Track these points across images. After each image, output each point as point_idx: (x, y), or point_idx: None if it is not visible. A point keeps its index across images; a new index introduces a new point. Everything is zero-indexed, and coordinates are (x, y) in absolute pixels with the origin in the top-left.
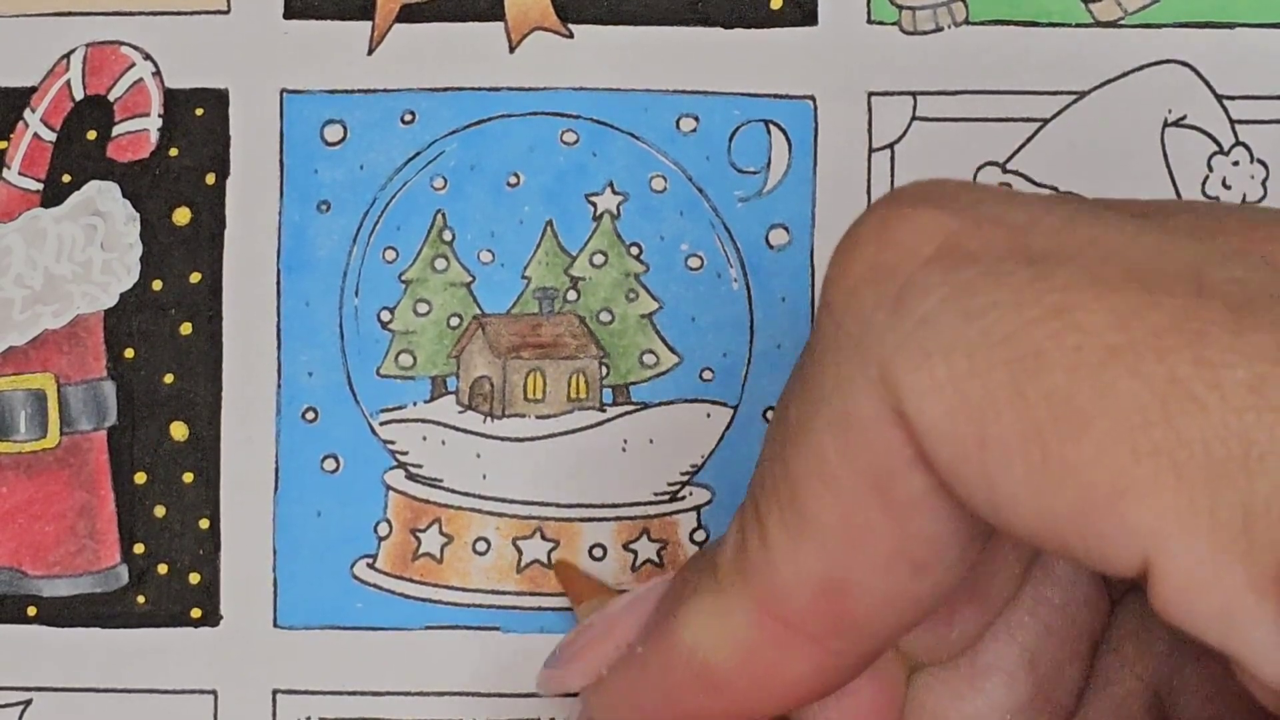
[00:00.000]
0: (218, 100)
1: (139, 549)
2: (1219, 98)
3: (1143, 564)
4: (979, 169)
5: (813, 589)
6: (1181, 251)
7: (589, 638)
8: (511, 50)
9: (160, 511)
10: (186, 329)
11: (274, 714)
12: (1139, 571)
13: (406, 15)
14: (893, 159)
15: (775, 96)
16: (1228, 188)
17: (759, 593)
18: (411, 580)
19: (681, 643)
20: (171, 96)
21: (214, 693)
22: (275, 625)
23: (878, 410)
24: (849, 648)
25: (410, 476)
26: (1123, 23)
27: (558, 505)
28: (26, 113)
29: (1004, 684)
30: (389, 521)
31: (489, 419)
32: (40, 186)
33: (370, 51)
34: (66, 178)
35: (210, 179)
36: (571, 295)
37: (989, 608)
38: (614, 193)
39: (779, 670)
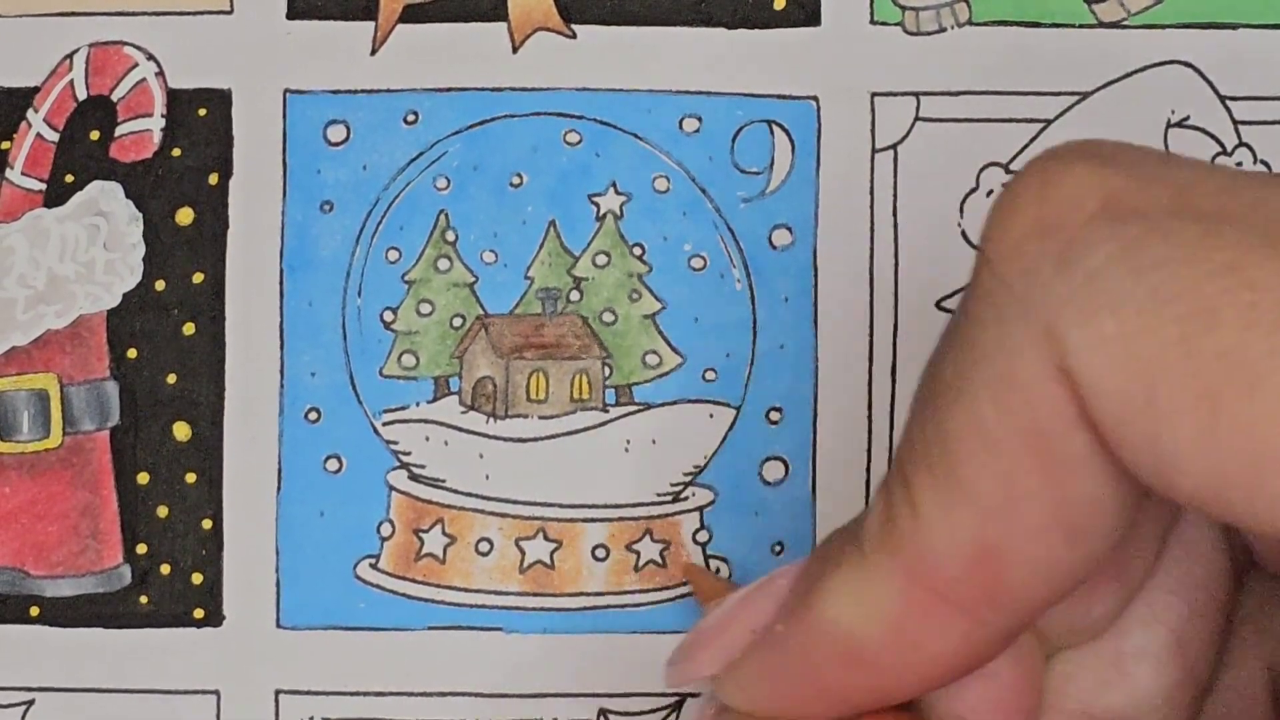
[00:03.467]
0: (221, 100)
1: (142, 549)
2: (1222, 99)
3: None
4: (982, 170)
5: (966, 556)
6: None
7: (719, 624)
8: (514, 50)
9: (163, 512)
10: (189, 329)
11: (276, 714)
12: None
13: (409, 15)
14: (896, 159)
15: (778, 97)
16: None
17: (908, 562)
18: (414, 581)
19: (825, 617)
20: (174, 97)
21: (216, 693)
22: (278, 625)
23: (1041, 367)
24: (998, 619)
25: (413, 477)
26: (1126, 23)
27: (560, 506)
28: (29, 113)
29: (1153, 669)
30: (391, 522)
31: (492, 419)
32: (43, 186)
33: (373, 52)
34: (69, 178)
35: (213, 179)
36: (574, 296)
37: (1127, 585)
38: (617, 193)
39: (926, 643)
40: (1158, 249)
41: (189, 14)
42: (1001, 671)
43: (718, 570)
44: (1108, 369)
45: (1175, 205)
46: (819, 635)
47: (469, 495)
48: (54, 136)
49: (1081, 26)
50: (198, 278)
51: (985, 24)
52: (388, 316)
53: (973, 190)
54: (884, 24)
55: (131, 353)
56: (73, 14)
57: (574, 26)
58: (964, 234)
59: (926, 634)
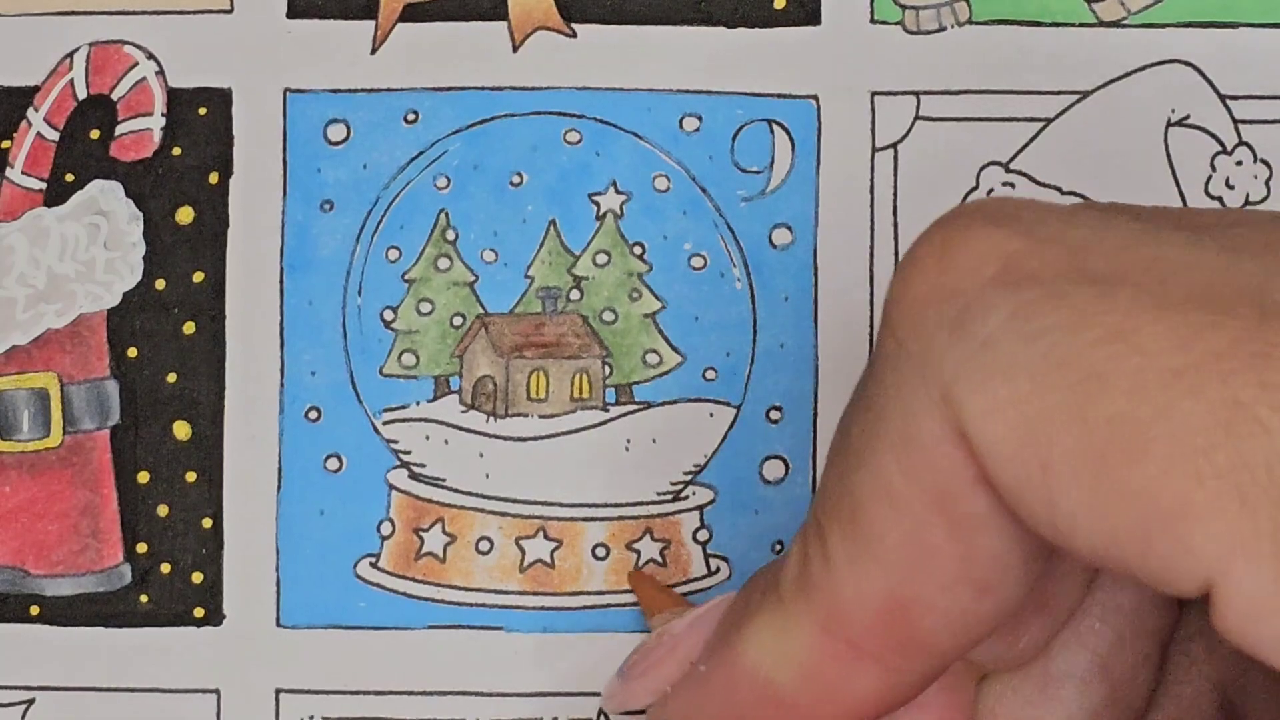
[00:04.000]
0: (221, 99)
1: (142, 548)
2: (1222, 97)
3: (1205, 586)
4: (982, 169)
5: (876, 608)
6: (1244, 270)
7: (654, 655)
8: (515, 49)
9: (163, 511)
10: (189, 328)
11: (277, 713)
12: (1201, 593)
13: (409, 14)
14: (896, 158)
15: (778, 96)
16: (1231, 188)
17: (822, 612)
18: (414, 580)
19: (745, 661)
20: (175, 96)
21: (217, 692)
22: (278, 624)
23: (940, 430)
24: (913, 666)
25: (413, 476)
26: (1126, 22)
27: (561, 505)
28: (30, 112)
29: (1078, 691)
30: (392, 521)
31: (492, 418)
32: (43, 186)
33: (373, 51)
34: (69, 177)
35: (213, 178)
36: (575, 295)
37: (1056, 616)
38: (617, 192)
39: (843, 689)
40: (1048, 315)
41: (189, 13)
42: (931, 700)
43: (716, 570)
44: (1002, 434)
45: (1069, 268)
46: (739, 678)
47: (469, 494)
48: (54, 135)
49: (1081, 25)
50: (198, 277)
51: (985, 23)
52: (388, 315)
53: (973, 189)
54: (884, 23)
55: (132, 352)
56: (73, 13)
57: (574, 25)
58: None
59: (843, 680)
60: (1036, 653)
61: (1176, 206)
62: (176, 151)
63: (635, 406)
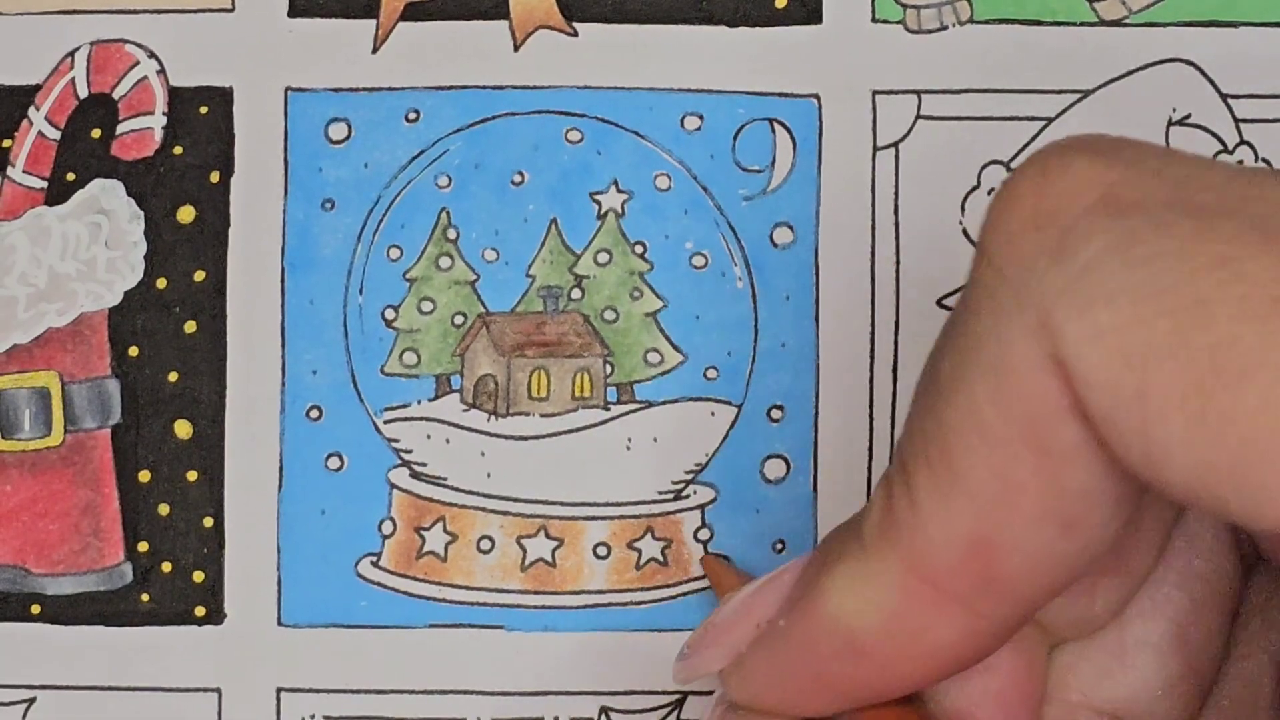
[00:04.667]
0: (222, 98)
1: (143, 547)
2: (1223, 96)
3: None
4: (983, 168)
5: (962, 548)
6: None
7: (726, 620)
8: (516, 48)
9: (164, 510)
10: (191, 327)
11: (278, 712)
12: None
13: (411, 13)
14: (897, 157)
15: (780, 95)
16: None
17: (906, 554)
18: (415, 579)
19: (826, 611)
20: (176, 94)
21: (218, 691)
22: (279, 623)
23: (1035, 357)
24: (996, 611)
25: (414, 475)
26: (1127, 21)
27: (562, 504)
28: (31, 111)
29: (1155, 660)
30: (393, 520)
31: (493, 417)
32: (44, 184)
33: (375, 50)
34: (71, 176)
35: (215, 177)
36: (576, 294)
37: (1130, 578)
38: (618, 191)
39: (925, 635)
40: (1152, 242)
41: (190, 12)
42: (1003, 664)
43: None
44: (1100, 361)
45: (1172, 199)
46: (820, 629)
47: (470, 493)
48: (55, 134)
49: (1083, 24)
50: (199, 276)
51: (987, 22)
52: (389, 314)
53: (974, 188)
54: (885, 22)
55: (133, 351)
56: (74, 12)
57: (575, 25)
58: (965, 232)
59: (925, 627)
60: (1110, 618)
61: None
62: (178, 150)
63: (636, 405)
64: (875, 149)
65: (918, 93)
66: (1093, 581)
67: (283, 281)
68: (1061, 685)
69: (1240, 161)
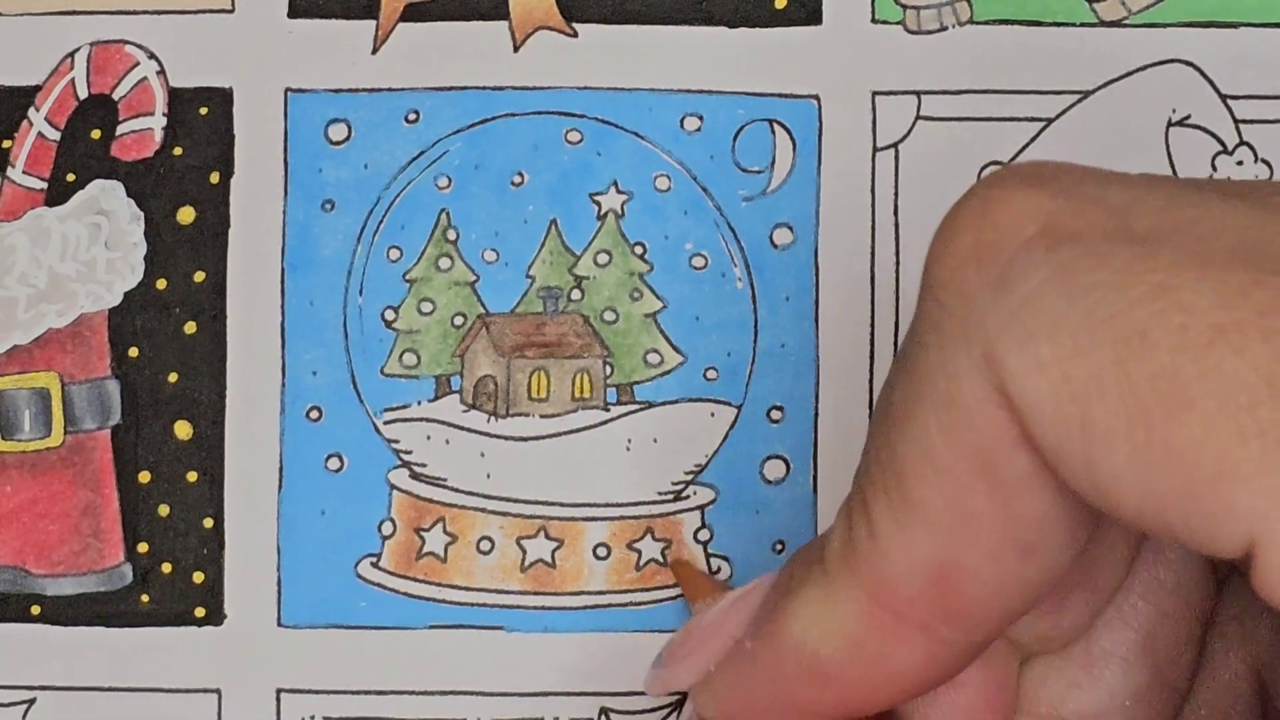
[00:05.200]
0: (222, 99)
1: (143, 548)
2: (1223, 97)
3: (1247, 547)
4: (983, 168)
5: (922, 576)
6: None
7: (697, 636)
8: (516, 49)
9: (164, 510)
10: (191, 328)
11: (278, 713)
12: (1243, 554)
13: (411, 14)
14: (897, 158)
15: (779, 96)
16: None
17: (868, 582)
18: (415, 579)
19: (790, 635)
20: (176, 95)
21: (218, 692)
22: (279, 624)
23: (982, 390)
24: (959, 636)
25: (414, 476)
26: (1127, 22)
27: (562, 504)
28: (31, 111)
29: (1121, 671)
30: (393, 520)
31: (493, 418)
32: (44, 185)
33: (374, 50)
34: (71, 176)
35: (214, 178)
36: (576, 294)
37: (1099, 593)
38: (618, 192)
39: (889, 660)
40: (1092, 273)
41: (190, 13)
42: (972, 680)
43: (717, 570)
44: (1044, 392)
45: (1111, 227)
46: (785, 652)
47: (470, 494)
48: (55, 135)
49: (1082, 25)
50: (199, 276)
51: (986, 23)
52: (389, 315)
53: None
54: (885, 23)
55: (133, 351)
56: (74, 13)
57: (575, 25)
58: None
59: (889, 652)
60: (1080, 632)
61: (1211, 178)
62: (178, 151)
63: (636, 406)
64: (875, 149)
65: (917, 93)
66: (1061, 598)
67: (283, 282)
68: (1032, 698)
69: (1240, 163)
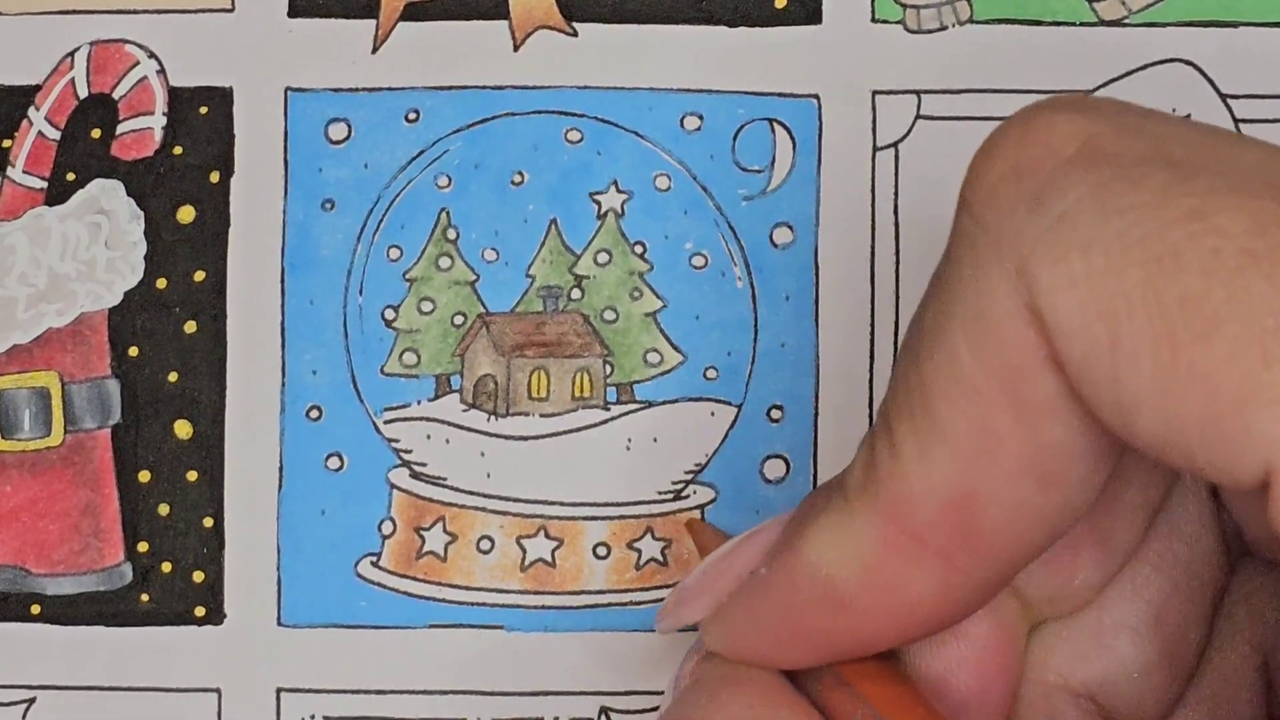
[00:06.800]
0: (222, 98)
1: (143, 547)
2: (1223, 97)
3: (1264, 474)
4: None
5: (942, 499)
6: None
7: (710, 571)
8: (516, 48)
9: (164, 510)
10: (191, 327)
11: (278, 712)
12: (1259, 482)
13: (411, 13)
14: (897, 158)
15: (779, 95)
16: None
17: (887, 505)
18: (415, 579)
19: (806, 560)
20: (176, 95)
21: (218, 691)
22: (279, 623)
23: (1013, 307)
24: (975, 566)
25: (414, 475)
26: (1127, 21)
27: (562, 504)
28: (31, 111)
29: (1131, 642)
30: (393, 520)
31: (493, 417)
32: (44, 185)
33: (375, 50)
34: (71, 176)
35: (214, 177)
36: (576, 294)
37: (1111, 556)
38: (618, 191)
39: (904, 588)
40: (1128, 193)
41: (190, 12)
42: (980, 633)
43: None
44: (1074, 309)
45: (1149, 153)
46: (799, 578)
47: (470, 493)
48: (55, 135)
49: (1082, 24)
50: (199, 276)
51: (986, 22)
52: (389, 315)
53: None
54: (885, 22)
55: (133, 351)
56: (74, 12)
57: (575, 24)
58: None
59: (904, 579)
60: (1091, 595)
61: None
62: (178, 151)
63: (636, 406)
64: (875, 149)
65: (917, 93)
66: (1074, 555)
67: (283, 281)
68: (1040, 667)
69: None
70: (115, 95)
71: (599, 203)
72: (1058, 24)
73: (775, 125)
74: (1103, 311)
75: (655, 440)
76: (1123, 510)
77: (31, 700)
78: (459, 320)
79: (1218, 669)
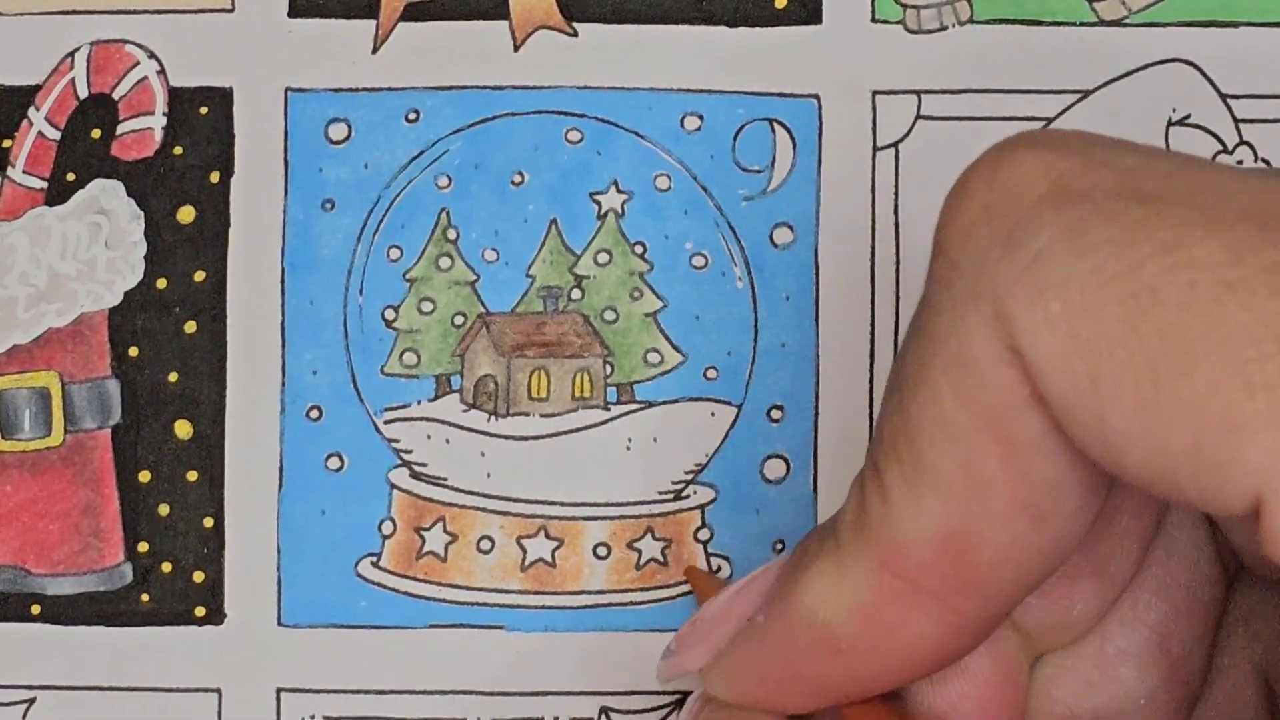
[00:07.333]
0: (222, 99)
1: (143, 547)
2: (1223, 96)
3: (1255, 501)
4: None
5: (934, 541)
6: None
7: (708, 619)
8: (516, 49)
9: (164, 510)
10: (191, 327)
11: (278, 713)
12: (1250, 509)
13: (411, 14)
14: (897, 158)
15: (779, 95)
16: None
17: (880, 549)
18: (415, 579)
19: (802, 607)
20: (176, 95)
21: (218, 691)
22: (279, 624)
23: (993, 349)
24: (971, 606)
25: (414, 475)
26: (1127, 21)
27: (562, 504)
28: (31, 111)
29: (1137, 670)
30: (393, 520)
31: (493, 418)
32: (45, 185)
33: (375, 50)
34: (71, 176)
35: (215, 177)
36: (576, 294)
37: (1109, 584)
38: (618, 191)
39: (901, 631)
40: (1101, 230)
41: (190, 12)
42: (982, 669)
43: (718, 569)
44: (1054, 348)
45: (1119, 187)
46: (797, 625)
47: (470, 493)
48: (55, 135)
49: (1083, 24)
50: (199, 276)
51: (986, 22)
52: (389, 315)
53: None
54: (885, 22)
55: (133, 351)
56: (74, 12)
57: (575, 25)
58: None
59: (900, 622)
60: (1090, 624)
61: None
62: (178, 151)
63: (636, 406)
64: (875, 149)
65: (918, 93)
66: (1071, 585)
67: (283, 281)
68: (1045, 698)
69: (1240, 162)
70: (115, 95)
71: (599, 203)
72: (1058, 24)
73: (775, 125)
74: (1083, 349)
75: (655, 440)
76: (1117, 537)
77: (31, 700)
78: (459, 320)
79: (1220, 690)
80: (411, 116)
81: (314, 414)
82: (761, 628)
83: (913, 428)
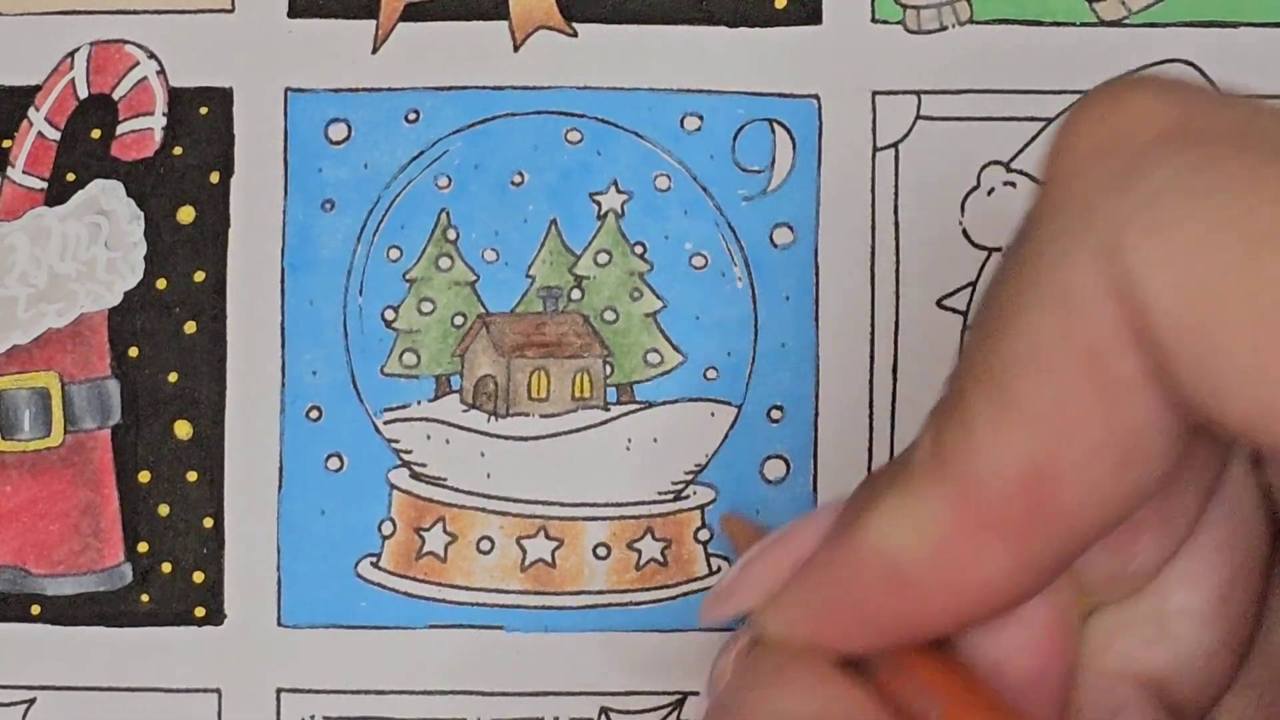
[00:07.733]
0: (222, 99)
1: (143, 548)
2: None
3: None
4: (983, 168)
5: (1017, 476)
6: None
7: (763, 558)
8: (516, 49)
9: (164, 510)
10: (191, 328)
11: (278, 713)
12: None
13: (411, 14)
14: (897, 158)
15: (779, 95)
16: None
17: (957, 483)
18: (415, 579)
19: (870, 540)
20: (176, 95)
21: (218, 691)
22: (279, 624)
23: (1100, 284)
24: (1045, 545)
25: (414, 475)
26: (1127, 22)
27: (562, 504)
28: (31, 111)
29: (1196, 628)
30: (393, 520)
31: (493, 418)
32: (44, 185)
33: (374, 50)
34: (70, 176)
35: (214, 178)
36: (576, 294)
37: (1170, 539)
38: (618, 191)
39: (971, 568)
40: (1220, 171)
41: (190, 12)
42: (1037, 617)
43: (718, 569)
44: (1168, 286)
45: (1237, 131)
46: (863, 559)
47: (470, 494)
48: (55, 135)
49: (1083, 25)
50: (199, 276)
51: (986, 22)
52: (389, 315)
53: (974, 189)
54: (885, 22)
55: (133, 351)
56: (74, 12)
57: (575, 25)
58: (965, 232)
59: (972, 559)
60: (1146, 580)
61: None
62: (177, 151)
63: (636, 406)
64: (875, 149)
65: (917, 93)
66: (1134, 536)
67: (283, 282)
68: (1099, 654)
69: None
70: (115, 95)
71: (599, 203)
72: (1058, 24)
73: (775, 125)
74: (1197, 290)
75: (655, 440)
76: (1181, 491)
77: (31, 700)
78: (459, 320)
79: (1265, 650)
80: (411, 117)
81: (314, 414)
82: (825, 563)
83: (1005, 361)
